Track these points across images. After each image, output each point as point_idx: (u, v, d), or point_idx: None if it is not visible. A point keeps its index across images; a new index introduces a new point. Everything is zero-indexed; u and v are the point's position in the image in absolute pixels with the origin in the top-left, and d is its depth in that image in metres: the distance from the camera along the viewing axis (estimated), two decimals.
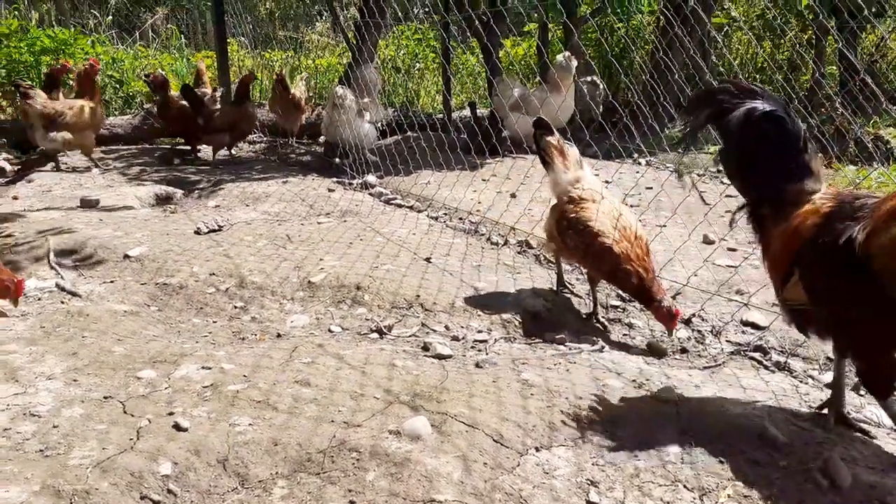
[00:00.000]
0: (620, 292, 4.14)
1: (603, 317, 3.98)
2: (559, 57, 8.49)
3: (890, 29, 13.06)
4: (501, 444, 2.56)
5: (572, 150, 4.15)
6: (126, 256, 4.72)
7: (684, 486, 2.43)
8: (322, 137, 9.21)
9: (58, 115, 7.56)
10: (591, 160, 5.70)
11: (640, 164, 8.09)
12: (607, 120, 8.41)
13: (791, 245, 2.69)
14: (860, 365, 2.61)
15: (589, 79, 9.81)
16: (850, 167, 7.43)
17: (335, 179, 7.54)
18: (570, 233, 3.82)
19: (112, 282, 4.37)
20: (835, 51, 12.17)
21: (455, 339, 3.68)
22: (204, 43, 17.86)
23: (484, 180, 7.12)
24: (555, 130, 4.19)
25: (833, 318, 2.61)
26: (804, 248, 2.63)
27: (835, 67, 12.51)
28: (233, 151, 8.96)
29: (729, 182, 3.10)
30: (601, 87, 9.86)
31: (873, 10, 10.79)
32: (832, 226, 2.54)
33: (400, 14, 10.65)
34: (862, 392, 3.16)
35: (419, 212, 6.25)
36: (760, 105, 2.82)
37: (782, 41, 12.16)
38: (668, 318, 3.52)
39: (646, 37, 11.83)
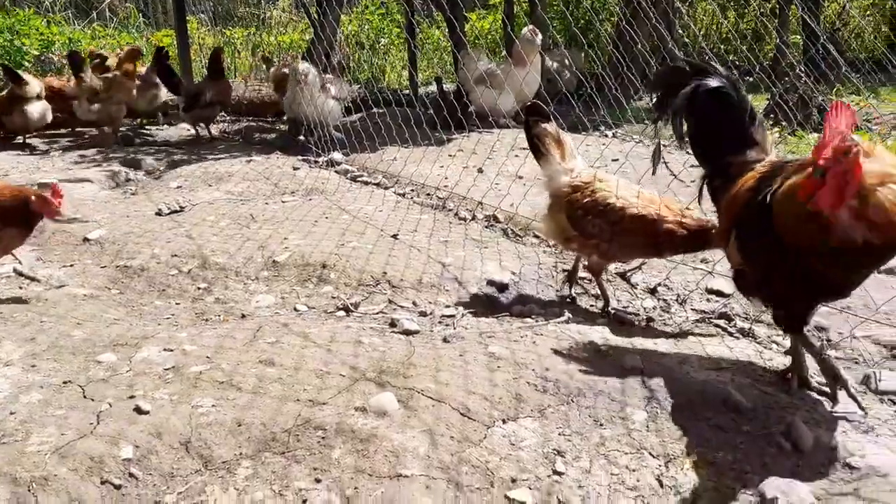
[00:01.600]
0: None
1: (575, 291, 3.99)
2: (524, 31, 8.44)
3: None
4: (468, 418, 2.55)
5: (568, 140, 3.87)
6: (86, 239, 4.62)
7: (650, 454, 2.45)
8: (287, 115, 9.08)
9: (101, 90, 8.14)
10: None
11: (606, 135, 8.09)
12: (573, 93, 8.39)
13: (730, 212, 2.78)
14: (776, 312, 2.77)
15: (557, 52, 9.80)
16: (813, 135, 7.50)
17: (300, 157, 7.45)
18: (588, 219, 3.53)
19: (71, 265, 4.28)
20: (798, 20, 12.25)
21: (423, 314, 3.66)
22: (164, 21, 17.47)
23: (451, 156, 7.08)
24: (550, 117, 3.86)
25: (756, 273, 2.74)
26: (739, 212, 2.73)
27: (798, 37, 12.59)
28: (199, 129, 8.82)
29: (692, 153, 3.21)
30: (568, 61, 9.82)
31: None
32: (759, 188, 2.63)
33: None
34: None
35: (386, 188, 6.20)
36: (708, 82, 2.91)
37: (746, 11, 12.20)
38: None
39: (611, 8, 11.80)
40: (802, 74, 9.42)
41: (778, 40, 10.71)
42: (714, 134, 3.01)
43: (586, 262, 3.81)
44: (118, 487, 2.21)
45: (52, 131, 8.77)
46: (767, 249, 2.59)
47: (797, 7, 11.63)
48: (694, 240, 3.39)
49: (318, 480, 2.25)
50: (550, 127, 3.83)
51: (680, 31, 10.47)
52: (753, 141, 2.85)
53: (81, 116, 8.32)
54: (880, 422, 2.56)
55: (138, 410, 2.53)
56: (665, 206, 3.46)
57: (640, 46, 6.13)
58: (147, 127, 9.56)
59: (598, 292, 3.82)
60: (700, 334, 3.39)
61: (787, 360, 2.94)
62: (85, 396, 2.66)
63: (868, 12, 13.58)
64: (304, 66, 7.92)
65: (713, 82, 2.96)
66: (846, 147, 2.16)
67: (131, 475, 2.26)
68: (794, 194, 2.39)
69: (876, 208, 2.20)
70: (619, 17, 9.80)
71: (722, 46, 11.95)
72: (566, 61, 9.78)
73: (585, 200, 3.56)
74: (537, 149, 3.83)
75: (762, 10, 12.97)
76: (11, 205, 3.58)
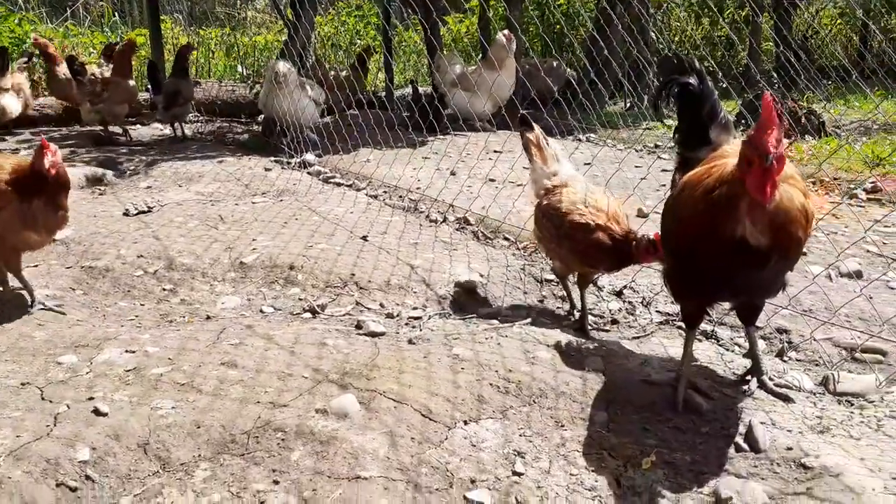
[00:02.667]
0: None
1: (539, 293, 4.00)
2: (497, 36, 8.51)
3: (822, 6, 13.37)
4: (430, 419, 2.55)
5: (551, 145, 3.86)
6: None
7: (609, 455, 2.47)
8: (261, 116, 9.04)
9: (103, 92, 8.13)
10: None
11: (580, 140, 8.14)
12: (547, 97, 8.44)
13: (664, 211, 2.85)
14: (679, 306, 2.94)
15: (530, 59, 9.86)
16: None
17: (272, 158, 7.41)
18: (543, 221, 3.59)
19: (36, 266, 4.22)
20: (771, 28, 12.42)
21: (389, 316, 3.66)
22: (140, 20, 17.32)
23: (424, 158, 7.08)
24: (535, 126, 3.88)
25: (665, 268, 2.85)
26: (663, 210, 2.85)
27: (771, 44, 12.77)
28: (175, 128, 8.79)
29: (663, 157, 3.25)
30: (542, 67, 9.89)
31: None
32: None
33: None
34: (785, 358, 3.25)
35: (358, 190, 6.19)
36: (679, 78, 2.92)
37: (720, 18, 12.33)
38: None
39: (586, 14, 11.88)
40: (776, 81, 9.55)
41: (746, 50, 10.83)
42: (679, 129, 3.06)
43: (555, 265, 3.83)
44: (73, 490, 2.19)
45: (19, 129, 8.67)
46: (666, 245, 2.78)
47: (770, 15, 11.80)
48: (621, 254, 3.33)
49: (276, 482, 2.24)
50: (532, 134, 3.86)
51: (654, 37, 10.57)
52: (708, 140, 2.87)
53: (85, 118, 8.37)
54: (836, 422, 2.60)
55: (97, 412, 2.51)
56: (615, 217, 3.37)
57: (613, 52, 6.18)
58: (119, 127, 9.46)
59: (565, 295, 3.84)
60: (663, 336, 3.42)
61: (747, 363, 2.97)
62: (43, 398, 2.63)
63: (838, 21, 13.79)
64: (283, 65, 7.86)
65: (682, 78, 3.00)
66: (781, 137, 2.20)
67: (87, 477, 2.24)
68: (690, 187, 2.52)
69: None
70: (592, 23, 9.88)
71: (695, 53, 12.08)
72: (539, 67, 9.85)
73: (545, 203, 3.61)
74: (527, 153, 3.89)
75: (735, 17, 13.13)
76: (18, 175, 3.44)
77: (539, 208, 3.68)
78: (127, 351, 2.98)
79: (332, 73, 9.72)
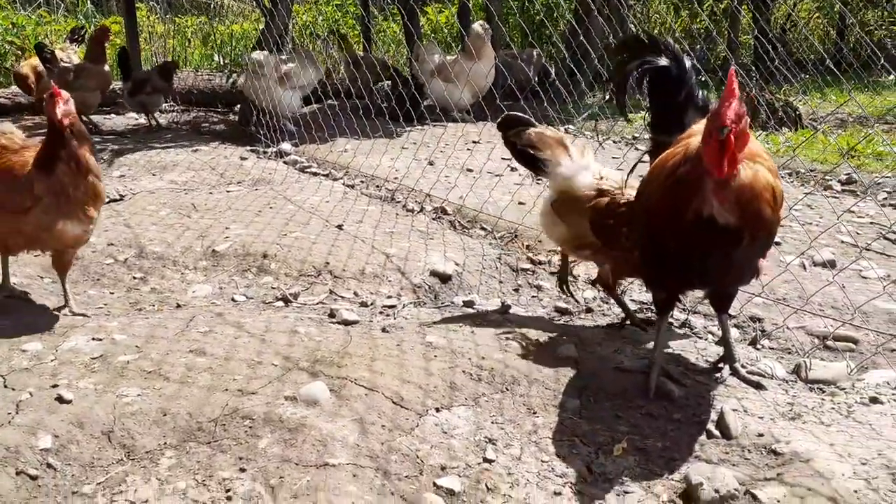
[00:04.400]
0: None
1: (515, 282, 3.98)
2: (474, 25, 8.49)
3: None
4: (401, 406, 2.53)
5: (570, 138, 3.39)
6: None
7: (581, 441, 2.45)
8: (238, 105, 8.94)
9: (76, 80, 7.87)
10: None
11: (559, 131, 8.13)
12: (524, 88, 8.42)
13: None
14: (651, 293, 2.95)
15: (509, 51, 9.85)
16: (759, 132, 7.64)
17: (249, 148, 7.33)
18: (625, 230, 3.01)
19: None
20: (749, 21, 12.48)
21: (363, 305, 3.63)
22: (117, 8, 17.07)
23: (403, 148, 7.03)
24: (534, 122, 3.39)
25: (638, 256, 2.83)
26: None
27: (749, 37, 12.83)
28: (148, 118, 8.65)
29: (640, 148, 3.23)
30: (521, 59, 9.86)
31: None
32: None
33: None
34: (758, 346, 3.25)
35: (335, 179, 6.14)
36: (656, 60, 2.87)
37: (699, 11, 12.36)
38: None
39: (566, 5, 11.87)
40: (754, 74, 9.59)
41: (724, 43, 10.87)
42: (656, 115, 3.03)
43: (597, 272, 3.38)
44: (34, 478, 2.14)
45: None
46: (637, 230, 2.78)
47: (748, 8, 11.85)
48: None
49: (242, 470, 2.20)
50: (546, 130, 3.35)
51: (633, 28, 10.57)
52: (682, 125, 2.82)
53: None
54: (807, 409, 2.60)
55: (60, 399, 2.45)
56: None
57: (592, 43, 6.16)
58: (92, 116, 9.32)
59: (540, 284, 3.83)
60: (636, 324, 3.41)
61: (720, 350, 2.97)
62: (6, 386, 2.57)
63: (816, 15, 13.88)
64: (258, 54, 7.76)
65: (661, 61, 2.93)
66: (743, 112, 2.18)
67: (49, 465, 2.19)
68: (658, 169, 2.52)
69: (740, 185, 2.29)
70: (571, 14, 9.86)
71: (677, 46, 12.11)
72: (517, 56, 9.83)
73: (622, 209, 3.04)
74: (531, 156, 3.32)
75: (715, 9, 13.17)
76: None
77: (611, 214, 3.06)
78: (94, 339, 2.92)
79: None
